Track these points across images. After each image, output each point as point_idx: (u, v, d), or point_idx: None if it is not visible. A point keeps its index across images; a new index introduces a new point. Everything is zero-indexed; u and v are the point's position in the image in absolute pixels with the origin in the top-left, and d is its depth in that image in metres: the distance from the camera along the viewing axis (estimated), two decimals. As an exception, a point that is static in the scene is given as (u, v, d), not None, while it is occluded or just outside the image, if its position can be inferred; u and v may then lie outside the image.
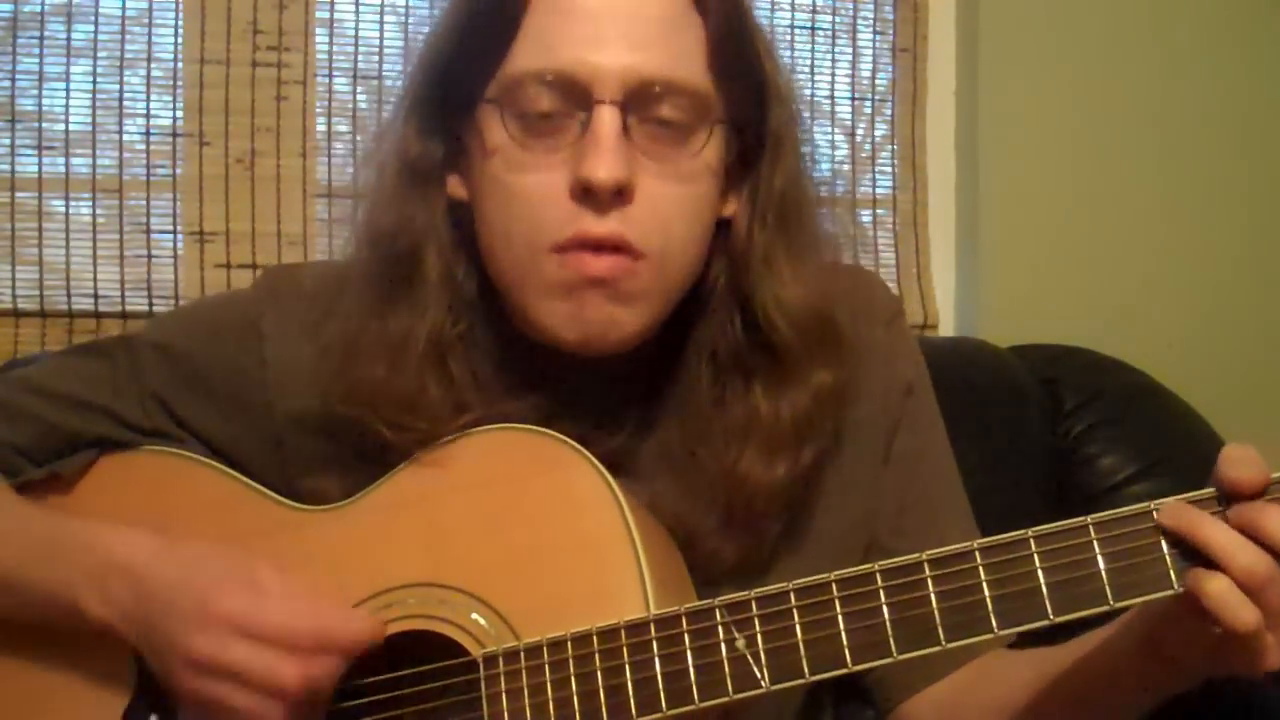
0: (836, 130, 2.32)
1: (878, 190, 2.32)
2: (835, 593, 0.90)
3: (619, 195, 0.99)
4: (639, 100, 0.99)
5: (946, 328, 2.31)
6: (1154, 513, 0.86)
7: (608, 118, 0.98)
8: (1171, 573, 0.85)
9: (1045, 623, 0.86)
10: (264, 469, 1.13)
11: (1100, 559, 0.86)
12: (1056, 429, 1.90)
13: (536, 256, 1.01)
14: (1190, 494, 0.87)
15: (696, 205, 1.04)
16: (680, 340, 1.10)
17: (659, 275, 1.02)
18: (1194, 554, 0.85)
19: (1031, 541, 0.87)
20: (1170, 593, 0.85)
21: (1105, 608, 0.86)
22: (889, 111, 2.33)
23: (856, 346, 1.10)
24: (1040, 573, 0.86)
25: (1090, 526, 0.86)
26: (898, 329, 1.18)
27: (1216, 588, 0.83)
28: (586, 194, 0.98)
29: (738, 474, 1.05)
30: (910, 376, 1.17)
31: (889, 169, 2.33)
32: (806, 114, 1.15)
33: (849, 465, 1.13)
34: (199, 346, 1.14)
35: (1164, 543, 0.86)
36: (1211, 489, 0.87)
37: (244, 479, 1.12)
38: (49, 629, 1.05)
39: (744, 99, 1.05)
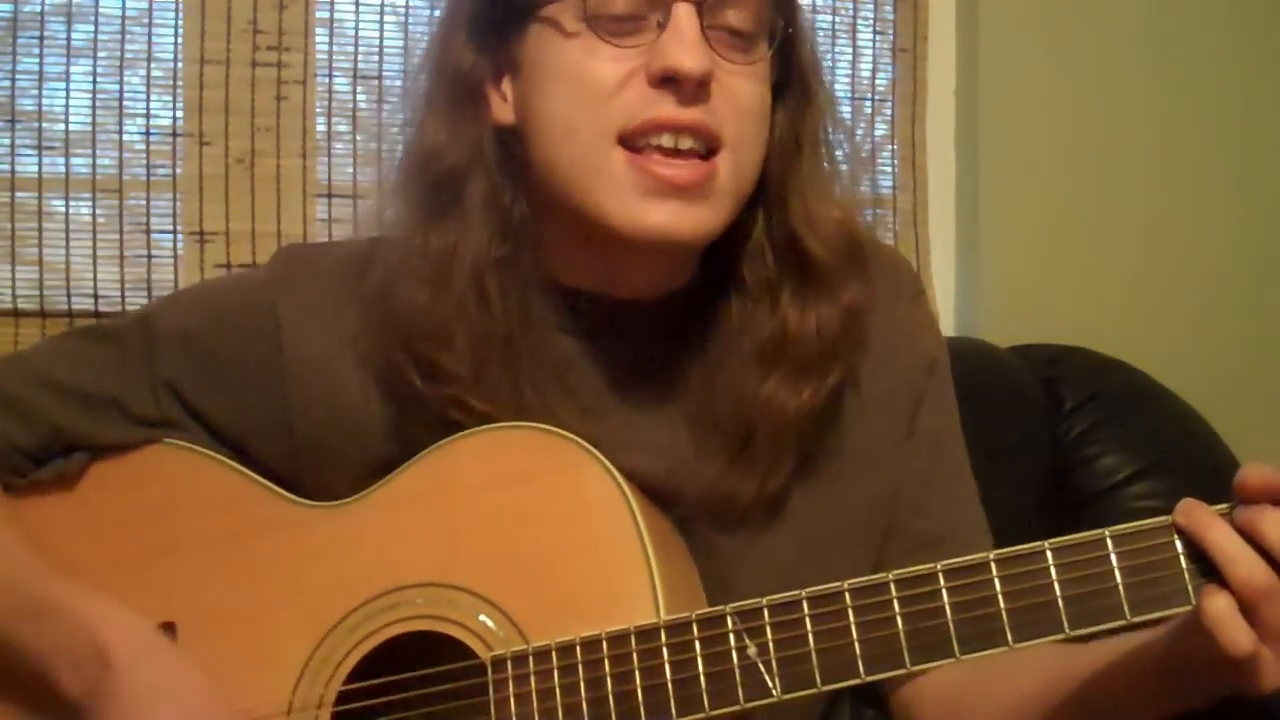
0: (836, 130, 2.32)
1: (878, 190, 2.32)
2: (849, 602, 0.89)
3: (700, 87, 0.99)
4: (712, 4, 1.01)
5: (946, 328, 2.29)
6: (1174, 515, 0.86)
7: (687, 14, 1.00)
8: (1189, 588, 0.84)
9: (1061, 636, 0.85)
10: (274, 457, 1.12)
11: (1117, 572, 0.85)
12: (1056, 429, 1.91)
13: (602, 147, 1.00)
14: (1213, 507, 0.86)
15: (763, 107, 1.06)
16: (712, 282, 1.10)
17: (734, 170, 1.02)
18: (1210, 570, 0.84)
19: (1048, 553, 0.86)
20: (1187, 608, 0.84)
21: (1121, 622, 0.85)
22: (889, 111, 2.33)
23: (882, 321, 1.12)
24: (1056, 585, 0.86)
25: (1108, 539, 0.85)
26: (920, 305, 1.20)
27: (1215, 607, 0.82)
28: (665, 84, 0.99)
29: (760, 399, 1.05)
30: (933, 353, 1.18)
31: (889, 169, 2.33)
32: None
33: (872, 438, 1.13)
34: (214, 332, 1.13)
35: (1181, 557, 0.85)
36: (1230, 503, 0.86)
37: (251, 474, 1.11)
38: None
39: (784, 31, 1.07)
